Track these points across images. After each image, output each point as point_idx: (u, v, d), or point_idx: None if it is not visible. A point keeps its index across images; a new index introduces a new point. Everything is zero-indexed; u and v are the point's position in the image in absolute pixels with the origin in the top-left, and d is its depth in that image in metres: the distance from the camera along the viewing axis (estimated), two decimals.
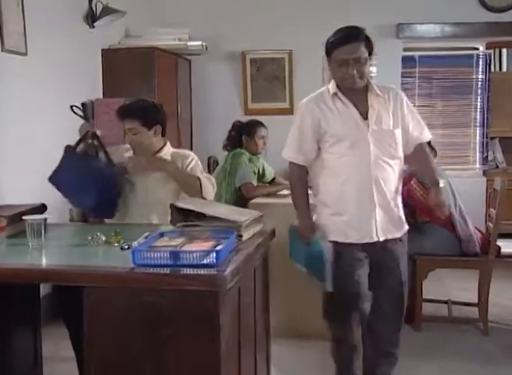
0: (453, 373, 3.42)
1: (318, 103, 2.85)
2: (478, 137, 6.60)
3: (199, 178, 3.15)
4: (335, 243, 2.86)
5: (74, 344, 2.89)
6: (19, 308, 2.93)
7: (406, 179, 3.38)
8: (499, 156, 6.78)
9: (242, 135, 4.47)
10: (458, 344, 3.77)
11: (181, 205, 2.61)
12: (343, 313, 2.89)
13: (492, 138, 6.64)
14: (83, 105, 3.15)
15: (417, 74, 6.51)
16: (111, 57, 5.16)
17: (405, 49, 6.37)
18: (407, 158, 2.97)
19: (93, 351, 2.14)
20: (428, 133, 2.98)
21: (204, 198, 3.08)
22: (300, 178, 2.95)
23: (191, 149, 6.16)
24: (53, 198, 3.16)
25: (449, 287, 4.81)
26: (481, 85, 6.49)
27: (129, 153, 3.22)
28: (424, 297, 4.06)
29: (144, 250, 2.17)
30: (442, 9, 6.04)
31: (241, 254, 2.31)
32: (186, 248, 2.24)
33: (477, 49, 6.49)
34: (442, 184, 2.87)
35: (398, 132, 2.85)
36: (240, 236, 2.46)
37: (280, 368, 3.35)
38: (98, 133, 3.16)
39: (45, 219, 2.61)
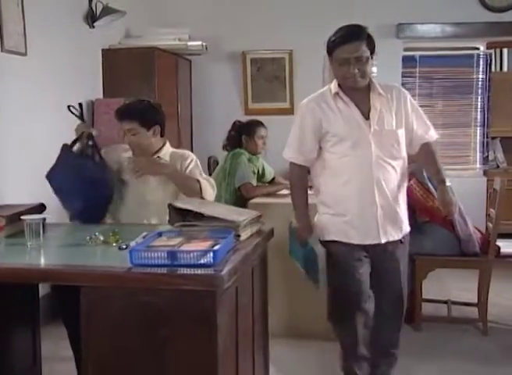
0: (453, 373, 3.42)
1: (319, 103, 2.84)
2: (478, 137, 6.60)
3: (199, 181, 3.14)
4: (336, 243, 2.85)
5: (72, 343, 2.90)
6: (18, 308, 2.93)
7: None
8: (500, 156, 6.78)
9: (242, 135, 4.47)
10: (457, 344, 3.77)
11: (179, 204, 2.61)
12: (346, 314, 2.87)
13: (492, 138, 6.64)
14: (80, 105, 3.14)
15: (417, 74, 6.51)
16: (111, 57, 5.17)
17: (405, 49, 6.38)
18: (413, 158, 2.96)
19: (90, 350, 2.14)
20: (433, 132, 2.95)
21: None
22: (300, 178, 2.94)
23: (191, 149, 6.17)
24: (52, 197, 3.15)
25: (449, 287, 4.81)
26: (482, 85, 6.49)
27: (129, 153, 3.22)
28: (423, 297, 4.06)
29: (142, 250, 2.17)
30: (443, 9, 6.03)
31: (239, 254, 2.31)
32: (184, 247, 2.24)
33: (477, 49, 6.50)
34: (448, 183, 2.83)
35: (401, 132, 2.83)
36: (238, 236, 2.46)
37: (279, 368, 3.35)
38: (94, 133, 3.15)
39: (44, 219, 2.61)
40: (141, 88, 4.93)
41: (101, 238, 2.54)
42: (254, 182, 4.38)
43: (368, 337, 2.90)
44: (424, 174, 3.89)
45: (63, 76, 4.48)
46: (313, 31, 5.67)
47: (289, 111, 6.11)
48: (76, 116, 3.11)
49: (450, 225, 3.86)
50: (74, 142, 3.13)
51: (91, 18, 4.88)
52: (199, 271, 2.08)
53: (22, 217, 2.57)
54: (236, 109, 6.26)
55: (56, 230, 2.87)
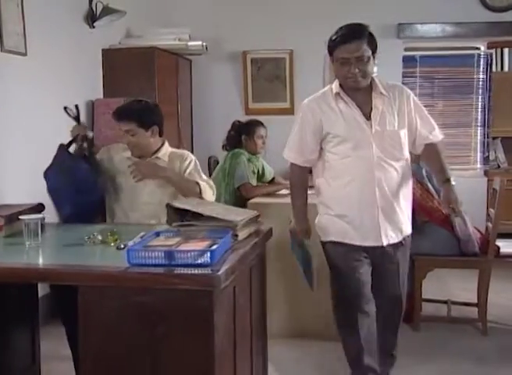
0: (452, 373, 3.42)
1: (319, 103, 2.81)
2: (479, 137, 6.60)
3: (198, 183, 3.14)
4: (335, 244, 2.84)
5: (70, 342, 2.91)
6: (17, 308, 2.94)
7: None
8: (501, 156, 6.77)
9: (241, 135, 4.47)
10: (457, 344, 3.77)
11: (177, 204, 2.61)
12: (348, 317, 2.84)
13: (493, 138, 6.62)
14: (76, 106, 3.15)
15: (418, 74, 6.51)
16: (111, 57, 5.17)
17: (406, 49, 6.38)
18: (418, 158, 2.94)
19: (88, 349, 2.15)
20: (438, 132, 2.90)
21: None
22: (300, 178, 2.93)
23: (192, 149, 6.18)
24: None
25: (448, 287, 4.80)
26: (482, 85, 6.49)
27: (127, 153, 3.22)
28: (424, 297, 4.06)
29: (139, 249, 2.17)
30: (443, 9, 6.04)
31: (236, 253, 2.31)
32: (182, 247, 2.24)
33: (478, 49, 6.49)
34: (453, 182, 2.78)
35: (403, 133, 2.79)
36: (236, 235, 2.46)
37: (278, 367, 3.36)
38: (89, 135, 3.16)
39: (42, 219, 2.62)
40: (141, 88, 4.93)
41: (100, 238, 2.55)
42: (254, 182, 4.38)
43: (374, 345, 2.86)
44: (424, 174, 3.89)
45: (63, 77, 4.48)
46: (313, 31, 5.68)
47: (290, 111, 6.13)
48: (71, 117, 3.12)
49: (449, 225, 3.86)
50: (70, 143, 3.13)
51: (91, 18, 4.89)
52: (196, 271, 2.08)
53: (20, 217, 2.58)
54: (237, 109, 6.28)
55: (55, 230, 2.88)
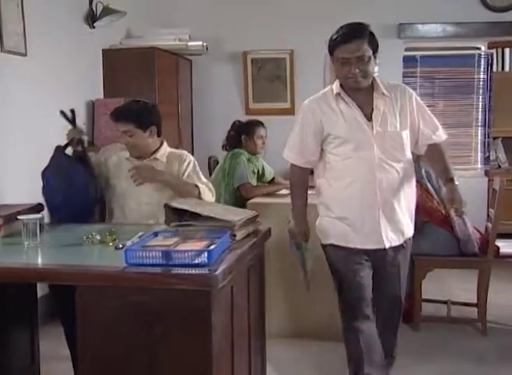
0: (451, 373, 3.41)
1: (320, 104, 2.77)
2: (479, 137, 6.60)
3: (197, 186, 3.13)
4: (334, 247, 2.80)
5: (69, 342, 2.92)
6: (16, 308, 2.94)
7: None
8: (502, 156, 6.76)
9: (241, 135, 4.47)
10: (457, 344, 3.77)
11: (175, 204, 2.61)
12: (349, 320, 2.82)
13: (494, 138, 6.62)
14: (71, 110, 3.15)
15: (418, 74, 6.50)
16: (111, 57, 5.17)
17: (407, 49, 6.39)
18: (421, 158, 2.91)
19: (86, 349, 2.15)
20: (442, 132, 2.84)
21: None
22: (300, 179, 2.89)
23: (192, 149, 6.19)
24: None
25: (448, 287, 4.80)
26: (483, 85, 6.49)
27: (126, 153, 3.22)
28: (423, 297, 4.05)
29: (137, 249, 2.18)
30: (444, 9, 6.04)
31: (234, 253, 2.31)
32: (179, 247, 2.24)
33: (479, 49, 6.49)
34: (457, 182, 2.72)
35: (405, 133, 2.75)
36: (234, 235, 2.46)
37: (277, 367, 3.36)
38: (84, 139, 3.16)
39: (41, 219, 2.63)
40: (142, 88, 4.94)
41: (98, 238, 2.55)
42: (254, 182, 4.38)
43: (377, 355, 2.80)
44: (424, 174, 3.89)
45: (63, 77, 4.49)
46: (314, 31, 5.68)
47: (290, 111, 6.13)
48: (67, 120, 3.13)
49: (449, 225, 3.85)
50: (66, 145, 3.14)
51: (92, 18, 4.90)
52: (193, 271, 2.08)
53: (19, 217, 2.58)
54: (237, 109, 6.28)
55: (53, 230, 2.88)
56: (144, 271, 2.09)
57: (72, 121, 3.13)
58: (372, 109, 2.71)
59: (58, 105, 4.27)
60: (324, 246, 2.87)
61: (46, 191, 3.08)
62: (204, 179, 3.27)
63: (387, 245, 2.77)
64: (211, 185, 3.26)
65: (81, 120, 4.49)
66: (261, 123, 4.52)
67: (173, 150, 3.34)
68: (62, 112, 3.15)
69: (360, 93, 2.72)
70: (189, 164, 3.23)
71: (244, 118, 4.94)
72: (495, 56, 6.44)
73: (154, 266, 2.12)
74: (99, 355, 2.13)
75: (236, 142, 4.46)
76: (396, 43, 6.16)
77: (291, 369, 3.46)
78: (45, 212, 2.99)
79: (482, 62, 6.46)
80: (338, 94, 2.73)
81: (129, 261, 2.13)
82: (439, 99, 6.57)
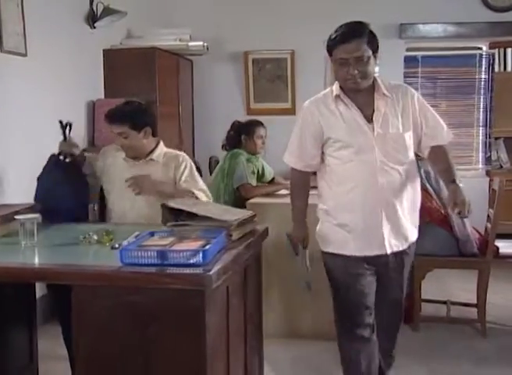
0: (451, 373, 3.41)
1: (319, 106, 2.69)
2: (481, 137, 6.59)
3: (194, 193, 3.12)
4: (334, 255, 2.74)
5: (66, 341, 2.93)
6: (15, 307, 2.95)
7: None
8: (504, 156, 6.74)
9: (241, 135, 4.47)
10: (456, 345, 3.77)
11: (172, 204, 2.62)
12: (347, 330, 2.76)
13: (496, 138, 6.61)
14: (60, 123, 3.18)
15: (419, 74, 6.50)
16: (112, 57, 5.18)
17: (408, 49, 6.38)
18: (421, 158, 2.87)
19: (81, 348, 2.17)
20: (446, 134, 2.76)
21: None
22: (300, 182, 2.82)
23: (193, 149, 6.19)
24: None
25: (448, 287, 4.79)
26: (485, 85, 6.49)
27: (122, 154, 3.23)
28: (423, 297, 4.05)
29: (132, 249, 2.19)
30: (445, 9, 6.03)
31: (230, 253, 2.31)
32: (175, 247, 2.25)
33: (480, 49, 6.48)
34: (461, 184, 2.63)
35: (408, 135, 2.66)
36: (230, 235, 2.46)
37: (274, 367, 3.37)
38: (76, 153, 3.19)
39: (38, 219, 2.63)
40: (142, 89, 4.95)
41: (95, 238, 2.56)
42: (254, 182, 4.38)
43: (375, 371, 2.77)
44: (423, 174, 3.87)
45: (64, 77, 4.49)
46: (315, 31, 5.66)
47: (291, 111, 6.13)
48: (63, 131, 3.17)
49: (448, 225, 3.85)
50: (59, 155, 3.18)
51: (92, 18, 4.91)
52: (188, 270, 2.09)
53: (16, 216, 2.60)
54: (238, 109, 6.29)
55: (50, 230, 2.89)
56: (139, 271, 2.10)
57: (64, 134, 3.16)
58: (373, 111, 2.63)
59: (58, 105, 4.32)
60: (323, 253, 2.81)
61: (38, 197, 3.12)
62: (200, 183, 3.26)
63: (389, 251, 2.69)
64: (208, 192, 3.25)
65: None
66: (260, 123, 4.52)
67: (169, 150, 3.32)
68: (61, 122, 3.17)
69: (361, 94, 2.64)
70: (185, 168, 3.22)
71: (245, 118, 4.94)
72: (496, 56, 6.43)
73: (149, 266, 2.12)
74: (94, 354, 2.14)
75: (236, 142, 4.46)
76: (397, 43, 6.16)
77: (289, 369, 3.46)
78: None
79: (484, 63, 6.45)
80: (337, 95, 2.66)
81: (125, 261, 2.14)
82: (440, 99, 6.56)
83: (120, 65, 5.13)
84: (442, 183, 3.58)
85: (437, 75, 6.53)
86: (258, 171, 4.49)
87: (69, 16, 4.65)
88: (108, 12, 4.91)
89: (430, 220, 3.87)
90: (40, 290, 3.41)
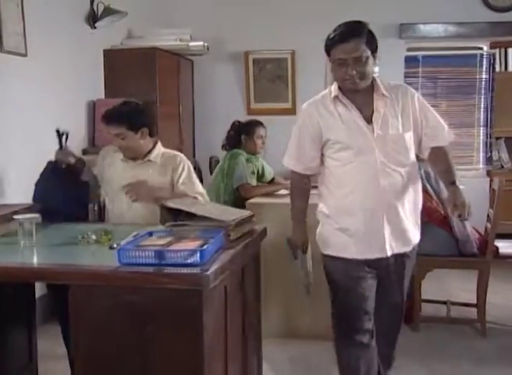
0: (451, 374, 3.41)
1: (318, 107, 2.65)
2: (481, 137, 6.59)
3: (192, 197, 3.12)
4: (333, 258, 2.70)
5: (65, 340, 2.93)
6: (14, 307, 2.95)
7: None
8: (505, 156, 6.74)
9: (241, 135, 4.47)
10: (456, 345, 3.77)
11: (170, 204, 2.62)
12: (346, 335, 2.73)
13: (497, 138, 6.60)
14: (65, 133, 3.20)
15: (420, 74, 6.49)
16: (112, 57, 5.19)
17: (408, 49, 6.39)
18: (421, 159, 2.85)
19: (79, 348, 2.17)
20: (447, 134, 2.71)
21: None
22: (299, 184, 2.79)
23: (194, 149, 6.20)
24: None
25: (448, 287, 4.79)
26: (485, 85, 6.48)
27: (120, 154, 3.23)
28: (423, 297, 4.04)
29: (130, 249, 2.19)
30: (446, 9, 6.03)
31: (227, 253, 2.31)
32: (173, 247, 2.25)
33: (480, 49, 6.48)
34: (461, 185, 2.59)
35: (408, 136, 2.62)
36: (228, 235, 2.46)
37: (273, 367, 3.37)
38: (71, 161, 3.21)
39: (37, 218, 2.63)
40: (143, 89, 4.96)
41: (94, 238, 2.57)
42: (254, 182, 4.38)
43: None
44: (422, 174, 3.87)
45: (64, 77, 4.50)
46: (315, 31, 5.61)
47: (292, 111, 6.13)
48: (59, 139, 3.19)
49: (448, 225, 3.84)
50: (56, 162, 3.21)
51: (93, 19, 4.91)
52: (185, 270, 2.09)
53: (14, 216, 2.60)
54: (239, 109, 6.29)
55: (49, 230, 2.89)
56: (136, 270, 2.11)
57: (60, 142, 3.18)
58: (372, 111, 2.59)
59: (59, 105, 4.33)
60: (323, 255, 2.78)
61: (36, 201, 3.14)
62: (198, 185, 3.24)
63: (389, 253, 2.65)
64: (206, 196, 3.24)
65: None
66: (260, 123, 4.52)
67: (167, 150, 3.31)
68: (57, 131, 3.19)
69: (360, 95, 2.59)
70: (183, 170, 3.20)
71: (246, 118, 4.93)
72: (497, 56, 6.42)
73: (147, 266, 2.13)
74: (92, 354, 2.14)
75: (236, 142, 4.46)
76: (397, 43, 6.17)
77: (287, 369, 3.47)
78: None
79: (484, 62, 6.45)
80: (336, 96, 2.62)
81: (123, 260, 2.14)
82: (441, 99, 6.56)
83: (121, 65, 5.14)
84: (442, 184, 3.57)
85: (438, 75, 6.52)
86: (258, 171, 4.49)
87: (70, 16, 4.66)
88: (108, 12, 4.92)
89: (430, 221, 3.86)
90: (39, 290, 3.42)
